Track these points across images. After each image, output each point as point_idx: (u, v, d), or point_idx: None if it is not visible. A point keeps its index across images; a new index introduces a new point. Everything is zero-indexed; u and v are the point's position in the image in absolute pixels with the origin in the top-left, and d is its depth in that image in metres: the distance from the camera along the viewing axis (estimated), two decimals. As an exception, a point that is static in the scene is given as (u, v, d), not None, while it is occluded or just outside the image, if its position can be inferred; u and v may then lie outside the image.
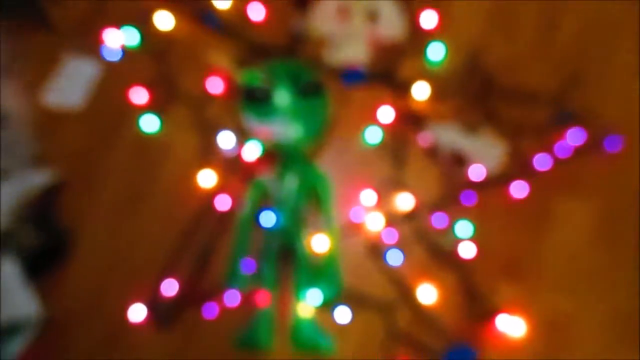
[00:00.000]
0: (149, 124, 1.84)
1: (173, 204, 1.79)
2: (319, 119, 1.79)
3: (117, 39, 1.90)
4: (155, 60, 1.88)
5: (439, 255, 1.74)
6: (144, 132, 1.84)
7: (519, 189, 1.76)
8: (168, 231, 1.77)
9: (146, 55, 1.89)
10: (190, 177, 1.80)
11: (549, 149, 1.76)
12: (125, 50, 1.90)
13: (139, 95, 1.85)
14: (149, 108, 1.85)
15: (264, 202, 1.77)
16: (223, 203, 1.78)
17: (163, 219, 1.79)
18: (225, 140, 1.81)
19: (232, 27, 1.89)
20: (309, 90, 1.79)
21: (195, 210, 1.78)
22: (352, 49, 1.84)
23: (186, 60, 1.88)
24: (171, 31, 1.91)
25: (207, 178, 1.80)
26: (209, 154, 1.81)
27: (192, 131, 1.84)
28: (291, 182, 1.76)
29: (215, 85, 1.84)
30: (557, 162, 1.76)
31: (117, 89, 1.86)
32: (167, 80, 1.86)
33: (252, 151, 1.79)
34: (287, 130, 1.78)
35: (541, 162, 1.77)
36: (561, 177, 1.76)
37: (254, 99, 1.79)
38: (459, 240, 1.74)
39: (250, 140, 1.80)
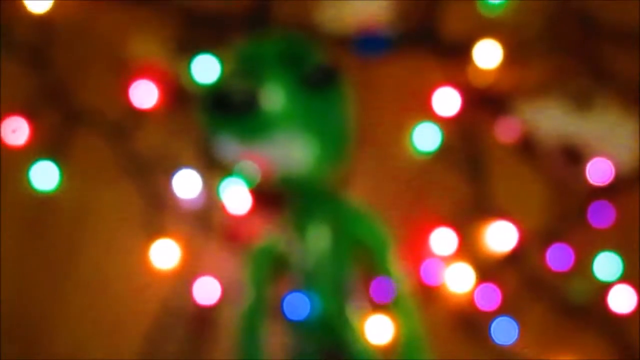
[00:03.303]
0: (43, 175, 1.40)
1: (112, 305, 1.43)
2: (339, 124, 1.42)
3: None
4: (33, 64, 1.45)
5: (571, 314, 1.45)
6: (37, 191, 1.42)
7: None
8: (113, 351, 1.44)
9: (13, 57, 1.45)
10: (134, 256, 1.40)
11: None
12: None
13: (15, 131, 1.41)
14: (36, 149, 1.41)
15: (276, 279, 1.39)
16: (206, 292, 1.39)
17: (103, 332, 1.45)
18: (186, 184, 1.38)
19: None
20: (317, 79, 1.39)
21: (156, 312, 1.43)
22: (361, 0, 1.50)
23: (85, 58, 1.47)
24: (49, 13, 1.45)
25: (166, 254, 1.38)
26: (157, 213, 1.42)
27: (117, 176, 1.43)
28: (318, 238, 1.37)
29: (144, 94, 1.40)
30: None
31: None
32: (58, 98, 1.43)
33: (237, 197, 1.38)
34: (292, 151, 1.38)
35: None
36: None
37: (229, 108, 1.38)
38: (601, 285, 1.43)
39: (232, 177, 1.39)
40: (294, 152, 1.40)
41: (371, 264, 1.44)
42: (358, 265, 1.46)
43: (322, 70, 1.41)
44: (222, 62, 1.43)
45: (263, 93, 1.39)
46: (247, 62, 1.41)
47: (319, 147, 1.41)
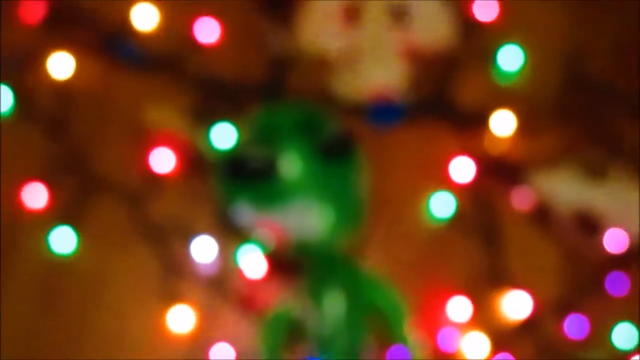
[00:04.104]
0: (60, 240, 1.38)
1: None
2: (354, 191, 1.42)
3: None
4: (52, 131, 1.43)
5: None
6: (54, 254, 1.40)
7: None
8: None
9: (33, 125, 1.43)
10: (149, 321, 1.38)
11: None
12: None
13: (34, 195, 1.39)
14: (54, 214, 1.40)
15: (291, 345, 1.37)
16: (221, 358, 1.36)
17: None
18: (202, 250, 1.37)
19: (172, 59, 1.48)
20: (333, 148, 1.41)
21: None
22: (377, 69, 1.49)
23: (104, 126, 1.47)
24: (70, 79, 1.45)
25: (182, 319, 1.36)
26: (173, 279, 1.39)
27: (134, 242, 1.42)
28: (333, 305, 1.35)
29: (162, 161, 1.38)
30: None
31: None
32: (76, 164, 1.42)
33: (253, 263, 1.37)
34: (308, 218, 1.38)
35: None
36: None
37: (245, 175, 1.38)
38: (618, 354, 1.40)
39: (248, 244, 1.38)
40: (309, 220, 1.40)
41: (386, 331, 1.41)
42: (373, 332, 1.42)
43: (337, 139, 1.43)
44: (239, 130, 1.43)
45: (279, 161, 1.39)
46: (263, 130, 1.42)
47: (334, 215, 1.41)
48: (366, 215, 1.48)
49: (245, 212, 1.41)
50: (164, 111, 1.45)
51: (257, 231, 1.42)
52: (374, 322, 1.45)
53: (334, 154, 1.42)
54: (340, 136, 1.44)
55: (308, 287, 1.41)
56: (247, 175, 1.41)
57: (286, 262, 1.45)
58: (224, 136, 1.40)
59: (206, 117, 1.46)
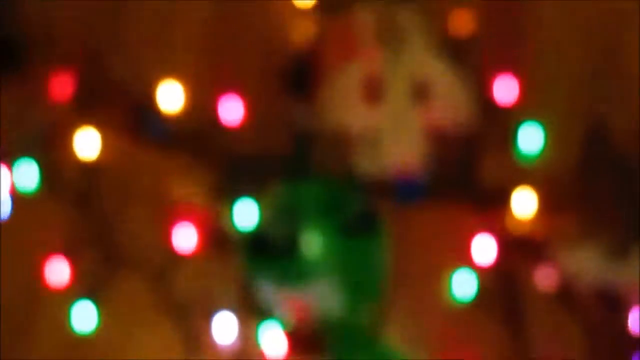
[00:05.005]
0: (82, 316, 1.36)
1: None
2: (376, 270, 1.43)
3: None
4: (77, 206, 1.43)
5: None
6: (75, 331, 1.37)
7: None
8: None
9: (58, 200, 1.43)
10: None
11: None
12: (17, 197, 1.43)
13: (57, 271, 1.36)
14: (77, 289, 1.38)
15: None
16: None
17: None
18: (224, 327, 1.35)
19: (197, 135, 1.48)
20: (356, 226, 1.41)
21: None
22: (399, 146, 1.49)
23: (128, 202, 1.44)
24: (96, 154, 1.44)
25: None
26: (195, 356, 1.37)
27: (156, 318, 1.39)
28: None
29: (185, 237, 1.37)
30: None
31: (18, 263, 1.39)
32: (100, 239, 1.41)
33: (275, 341, 1.34)
34: (329, 296, 1.39)
35: None
36: None
37: (267, 252, 1.39)
38: None
39: (269, 321, 1.37)
40: (331, 297, 1.40)
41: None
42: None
43: (360, 216, 1.43)
44: (262, 206, 1.43)
45: (302, 238, 1.41)
46: (286, 208, 1.43)
47: (355, 292, 1.42)
48: (388, 292, 1.45)
49: (267, 290, 1.40)
50: (188, 187, 1.43)
51: (279, 309, 1.41)
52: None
53: (356, 231, 1.43)
54: (363, 213, 1.44)
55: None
56: (269, 252, 1.41)
57: (308, 340, 1.41)
58: (246, 213, 1.39)
59: (229, 194, 1.45)
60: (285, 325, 1.39)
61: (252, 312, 1.41)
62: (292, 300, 1.39)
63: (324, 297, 1.40)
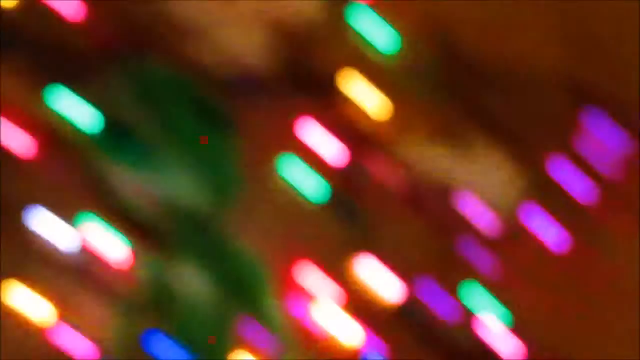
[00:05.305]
0: None
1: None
2: (226, 166, 1.42)
3: None
4: None
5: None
6: None
7: (555, 238, 1.40)
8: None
9: None
10: None
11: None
12: None
13: None
14: None
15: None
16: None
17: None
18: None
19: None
20: (207, 118, 1.40)
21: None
22: (237, 38, 1.44)
23: None
24: None
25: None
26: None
27: None
28: (196, 277, 1.33)
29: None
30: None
31: None
32: None
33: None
34: (177, 183, 1.38)
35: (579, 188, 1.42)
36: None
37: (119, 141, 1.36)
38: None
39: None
40: (178, 185, 1.38)
41: (249, 305, 1.39)
42: (236, 305, 1.40)
43: (208, 110, 1.40)
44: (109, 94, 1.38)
45: (154, 123, 1.38)
46: (137, 92, 1.38)
47: (205, 183, 1.39)
48: (236, 190, 1.42)
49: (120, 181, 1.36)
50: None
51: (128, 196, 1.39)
52: (236, 294, 1.41)
53: (206, 124, 1.41)
54: (210, 107, 1.42)
55: (171, 255, 1.37)
56: (121, 141, 1.37)
57: (150, 229, 1.39)
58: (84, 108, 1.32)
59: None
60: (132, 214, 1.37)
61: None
62: (140, 188, 1.38)
63: (170, 185, 1.39)
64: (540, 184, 1.45)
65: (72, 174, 1.35)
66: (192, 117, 1.41)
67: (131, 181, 1.37)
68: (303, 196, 1.41)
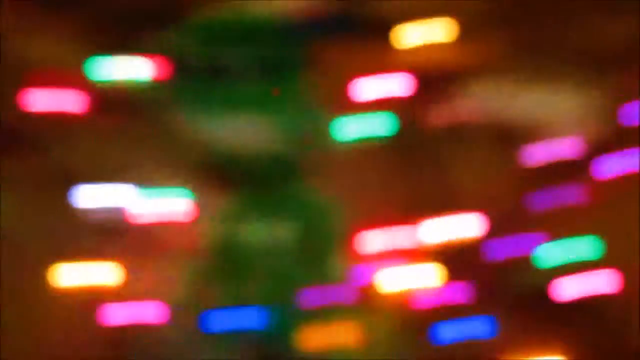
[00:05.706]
0: None
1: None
2: (304, 109, 1.40)
3: None
4: None
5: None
6: None
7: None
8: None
9: None
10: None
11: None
12: None
13: None
14: None
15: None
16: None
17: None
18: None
19: None
20: (282, 63, 1.38)
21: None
22: None
23: None
24: None
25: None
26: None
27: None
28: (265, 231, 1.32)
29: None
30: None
31: None
32: None
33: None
34: (251, 130, 1.37)
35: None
36: None
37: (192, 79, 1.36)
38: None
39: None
40: (251, 132, 1.37)
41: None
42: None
43: (280, 54, 1.39)
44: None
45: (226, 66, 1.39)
46: (207, 36, 1.38)
47: (283, 129, 1.39)
48: (314, 132, 1.42)
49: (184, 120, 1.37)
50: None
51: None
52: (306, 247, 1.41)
53: (283, 70, 1.40)
54: (281, 50, 1.40)
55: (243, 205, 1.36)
56: (194, 79, 1.37)
57: (221, 177, 1.39)
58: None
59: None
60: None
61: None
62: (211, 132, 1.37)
63: (244, 131, 1.38)
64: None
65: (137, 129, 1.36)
66: (262, 63, 1.40)
67: (204, 131, 1.38)
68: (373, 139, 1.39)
